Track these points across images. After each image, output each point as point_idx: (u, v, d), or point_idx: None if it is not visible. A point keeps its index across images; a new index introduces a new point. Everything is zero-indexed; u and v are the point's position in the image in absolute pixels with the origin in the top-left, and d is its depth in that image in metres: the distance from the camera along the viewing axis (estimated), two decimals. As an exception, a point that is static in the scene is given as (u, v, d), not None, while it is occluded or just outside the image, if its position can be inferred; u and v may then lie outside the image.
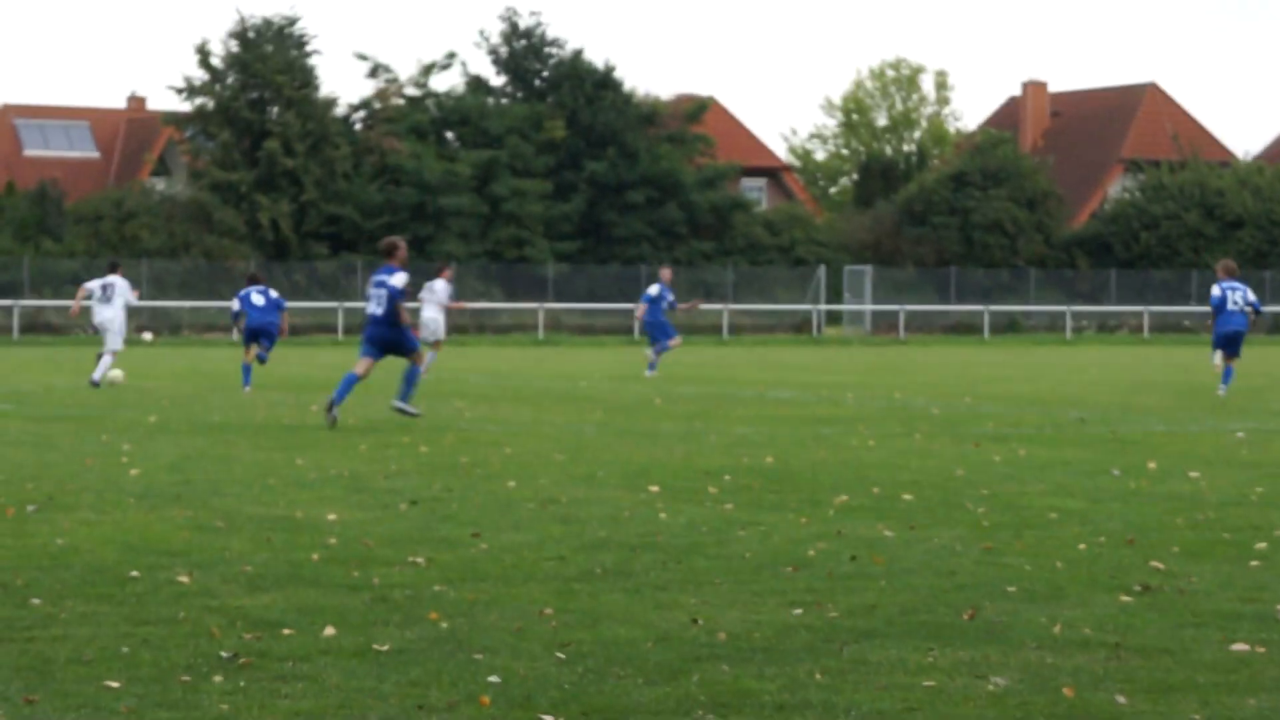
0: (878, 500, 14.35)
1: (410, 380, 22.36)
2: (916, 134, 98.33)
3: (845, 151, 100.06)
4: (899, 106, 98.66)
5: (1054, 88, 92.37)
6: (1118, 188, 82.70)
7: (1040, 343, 64.04)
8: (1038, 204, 77.90)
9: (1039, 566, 10.96)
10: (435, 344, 34.16)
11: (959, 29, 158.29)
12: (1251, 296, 29.45)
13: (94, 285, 31.49)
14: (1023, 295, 73.57)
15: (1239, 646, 8.61)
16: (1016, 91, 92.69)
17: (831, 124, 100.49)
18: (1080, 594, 10.03)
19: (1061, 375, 37.68)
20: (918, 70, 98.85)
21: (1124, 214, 78.21)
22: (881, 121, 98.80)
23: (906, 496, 14.51)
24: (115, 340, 30.48)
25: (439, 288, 35.23)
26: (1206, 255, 74.75)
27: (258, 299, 30.24)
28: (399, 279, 21.89)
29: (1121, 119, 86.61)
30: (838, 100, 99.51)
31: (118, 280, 31.30)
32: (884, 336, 66.76)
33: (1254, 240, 75.89)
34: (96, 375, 30.12)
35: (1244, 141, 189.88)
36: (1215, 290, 29.03)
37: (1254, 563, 11.15)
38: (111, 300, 30.99)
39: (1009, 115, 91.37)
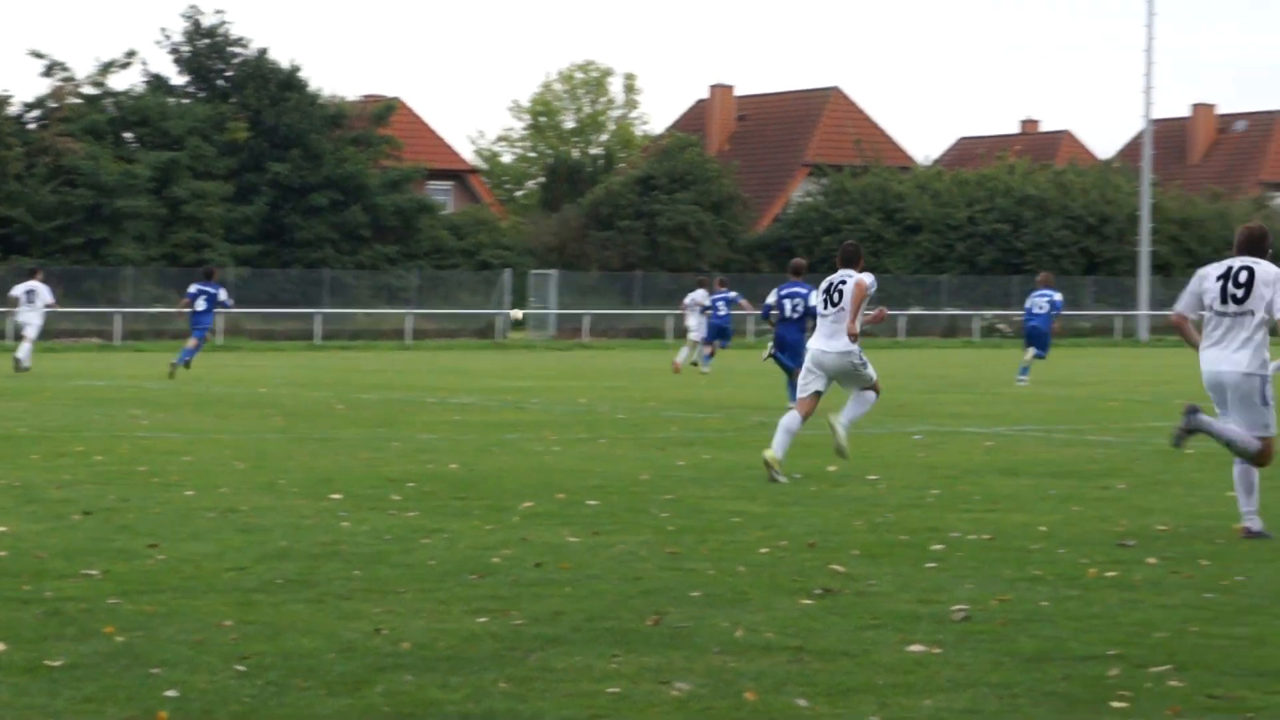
0: (563, 506, 14.35)
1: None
2: (604, 137, 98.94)
3: (533, 154, 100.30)
4: (587, 109, 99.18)
5: (740, 91, 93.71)
6: (801, 192, 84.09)
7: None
8: (723, 208, 78.84)
9: (722, 571, 11.05)
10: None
11: (647, 32, 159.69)
12: (1057, 297, 35.31)
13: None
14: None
15: (916, 647, 8.77)
16: (704, 95, 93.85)
17: (519, 127, 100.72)
18: (763, 598, 10.13)
19: (746, 379, 38.16)
20: (606, 73, 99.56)
21: (806, 218, 79.47)
22: (569, 124, 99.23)
23: (592, 502, 14.53)
24: None
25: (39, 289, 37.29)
26: (886, 259, 76.39)
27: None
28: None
29: (806, 123, 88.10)
30: (526, 103, 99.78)
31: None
32: (568, 340, 66.98)
33: (932, 244, 77.73)
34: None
35: (924, 146, 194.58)
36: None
37: (930, 564, 11.38)
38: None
39: (696, 119, 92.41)
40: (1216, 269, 12.95)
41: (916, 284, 75.10)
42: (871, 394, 17.40)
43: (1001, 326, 71.79)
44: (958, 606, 9.80)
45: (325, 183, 71.09)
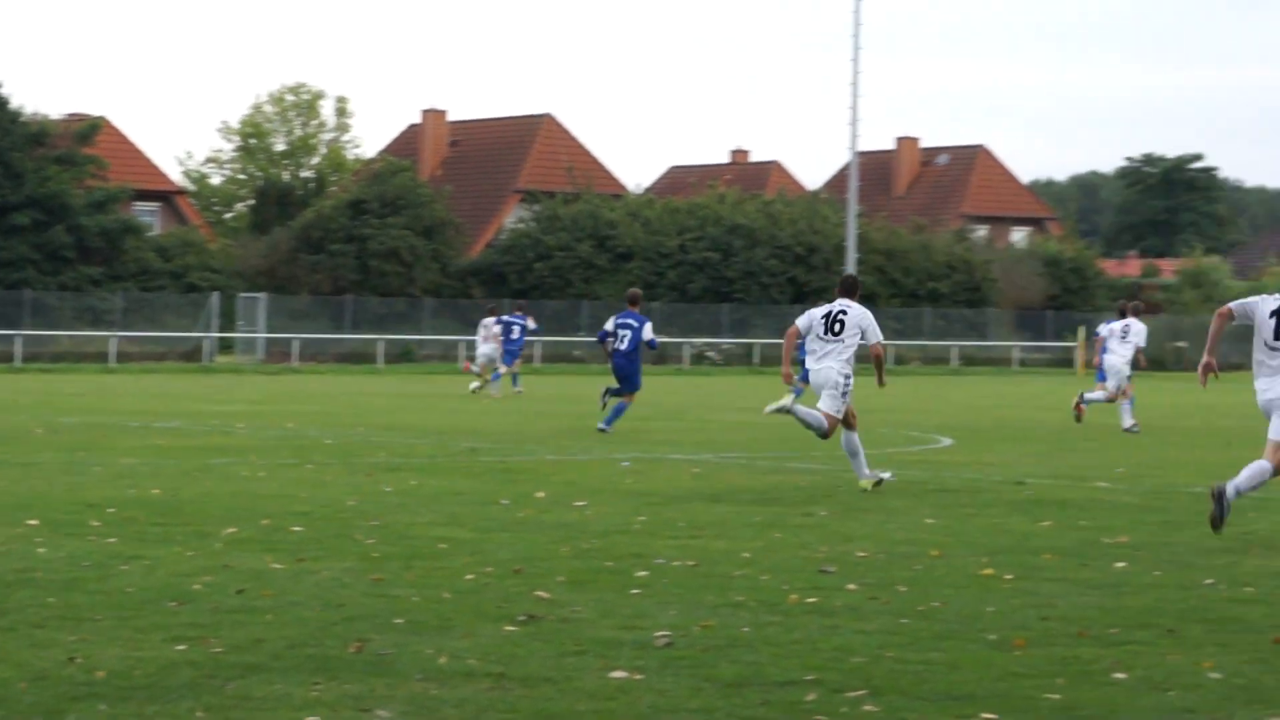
0: (267, 532, 14.17)
1: None
2: (315, 160, 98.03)
3: (242, 176, 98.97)
4: (298, 132, 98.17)
5: (453, 116, 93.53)
6: (513, 218, 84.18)
7: (434, 372, 64.58)
8: (435, 233, 78.60)
9: (427, 597, 10.99)
10: None
11: (359, 56, 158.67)
12: None
13: None
14: (417, 324, 74.03)
15: (618, 674, 8.80)
16: (416, 119, 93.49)
17: (228, 148, 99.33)
18: (467, 624, 10.10)
19: (454, 405, 38.08)
20: (318, 96, 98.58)
21: (519, 244, 79.56)
22: (280, 147, 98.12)
23: (297, 528, 14.37)
24: None
25: None
26: (598, 286, 76.81)
27: None
28: None
29: (518, 149, 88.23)
30: (235, 124, 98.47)
31: None
32: (277, 365, 66.19)
33: (643, 272, 78.29)
34: None
35: (635, 174, 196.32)
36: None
37: (635, 591, 11.44)
38: None
39: (408, 143, 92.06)
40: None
41: (628, 311, 75.60)
42: (824, 418, 18.60)
43: (711, 354, 72.57)
44: (660, 633, 9.87)
45: (27, 202, 69.45)
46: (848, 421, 18.78)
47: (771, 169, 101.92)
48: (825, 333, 18.96)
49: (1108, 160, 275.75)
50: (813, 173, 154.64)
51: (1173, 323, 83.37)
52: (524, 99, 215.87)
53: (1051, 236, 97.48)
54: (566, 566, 12.48)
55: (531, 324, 44.18)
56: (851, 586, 11.73)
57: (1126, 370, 30.65)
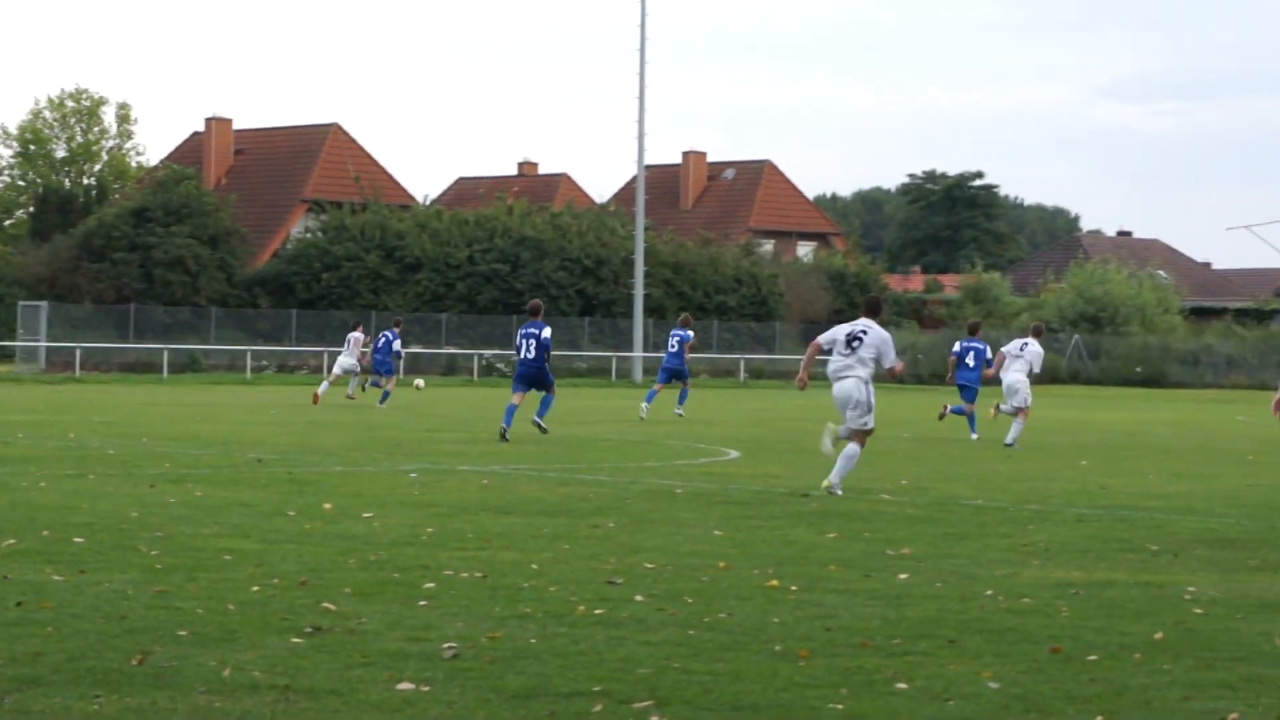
0: (47, 543, 13.93)
1: None
2: (97, 167, 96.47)
3: (22, 183, 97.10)
4: (79, 138, 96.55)
5: (239, 125, 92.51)
6: (300, 227, 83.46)
7: (220, 382, 63.83)
8: (220, 242, 77.69)
9: (211, 609, 10.87)
10: None
11: (142, 62, 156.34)
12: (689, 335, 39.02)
13: None
14: (204, 334, 73.12)
15: (404, 685, 8.78)
16: (200, 127, 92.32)
17: (7, 154, 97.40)
18: (252, 636, 10.00)
19: (241, 415, 37.67)
20: (99, 102, 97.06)
21: (306, 254, 78.87)
22: (61, 153, 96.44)
23: (78, 539, 14.15)
24: None
25: None
26: (386, 297, 76.41)
27: None
28: None
29: (305, 158, 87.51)
30: (14, 129, 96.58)
31: None
32: (59, 374, 64.99)
33: (431, 283, 78.01)
34: None
35: (424, 185, 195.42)
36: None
37: (422, 602, 11.41)
38: None
39: (193, 151, 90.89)
40: None
41: (417, 322, 75.30)
42: (857, 447, 20.15)
43: (500, 365, 72.48)
44: (448, 644, 9.85)
45: None
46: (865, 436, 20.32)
47: (560, 181, 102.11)
48: (845, 349, 20.29)
49: (891, 177, 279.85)
50: (601, 185, 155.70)
51: (954, 337, 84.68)
52: (311, 108, 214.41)
53: (836, 251, 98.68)
54: (353, 578, 12.41)
55: (397, 345, 44.85)
56: (639, 598, 11.79)
57: (1025, 388, 31.33)
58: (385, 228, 78.65)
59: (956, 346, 33.71)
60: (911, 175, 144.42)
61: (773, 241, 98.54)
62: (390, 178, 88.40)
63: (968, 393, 33.08)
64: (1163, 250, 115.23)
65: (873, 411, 20.22)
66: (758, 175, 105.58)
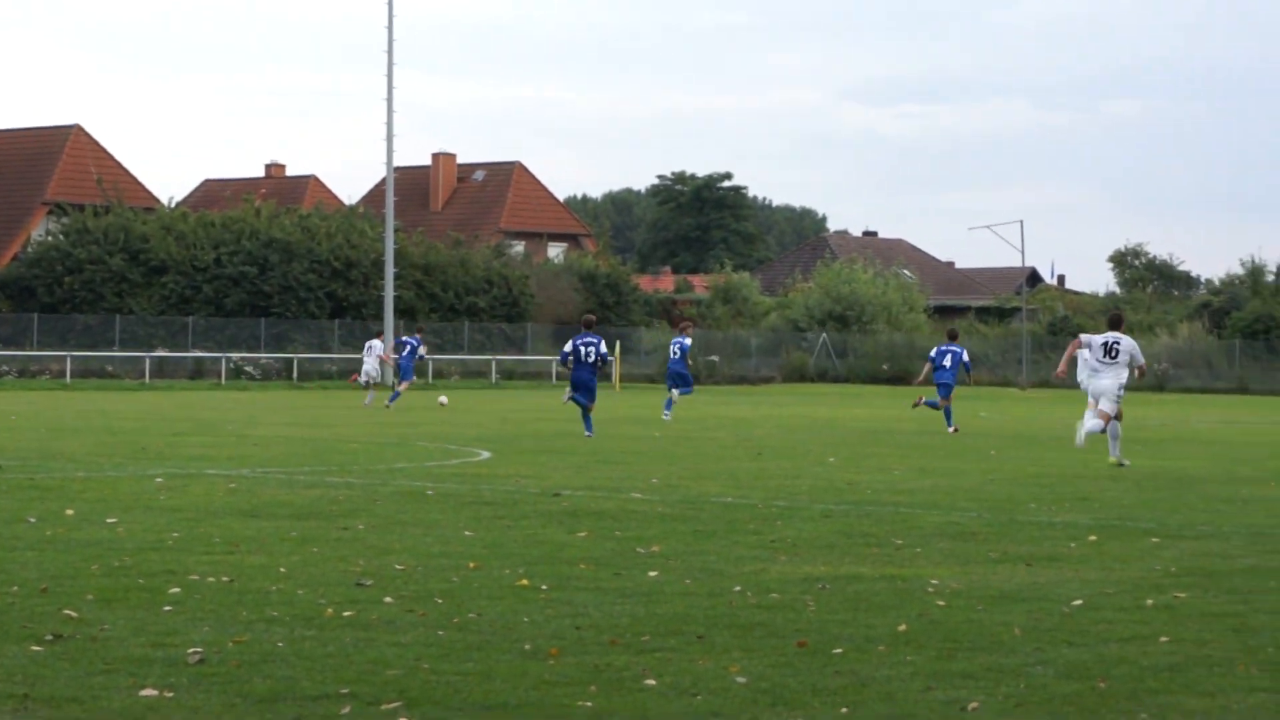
0: None
1: None
2: None
3: None
4: None
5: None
6: (41, 230, 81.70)
7: (-41, 387, 62.24)
8: (-43, 245, 75.83)
9: (-53, 620, 10.60)
10: None
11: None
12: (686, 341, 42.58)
13: None
14: (-59, 338, 71.23)
15: (148, 691, 8.63)
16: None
17: None
18: (-10, 646, 9.77)
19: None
20: None
21: (47, 257, 77.20)
22: None
23: None
24: None
25: None
26: (131, 300, 75.09)
27: None
28: None
29: (45, 160, 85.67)
30: None
31: None
32: None
33: (178, 286, 76.82)
34: None
35: (169, 187, 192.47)
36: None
37: (167, 607, 11.23)
38: None
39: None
40: None
41: (163, 325, 74.18)
42: (1118, 424, 25.42)
43: (249, 369, 71.63)
44: (193, 649, 9.70)
45: None
46: (1117, 415, 25.22)
47: (308, 183, 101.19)
48: (1104, 356, 25.20)
49: (641, 178, 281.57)
50: (350, 187, 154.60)
51: (704, 337, 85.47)
52: (51, 109, 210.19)
53: (587, 252, 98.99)
54: (96, 584, 12.17)
55: (423, 350, 48.98)
56: (388, 599, 11.72)
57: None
58: (129, 230, 77.27)
59: (933, 351, 37.91)
60: (661, 177, 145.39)
61: (523, 243, 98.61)
62: (134, 180, 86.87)
63: (944, 389, 36.75)
64: (907, 250, 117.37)
65: (1119, 400, 25.20)
66: (508, 177, 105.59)
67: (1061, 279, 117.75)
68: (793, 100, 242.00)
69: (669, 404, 41.18)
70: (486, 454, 27.19)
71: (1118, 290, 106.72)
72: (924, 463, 26.33)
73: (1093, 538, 15.88)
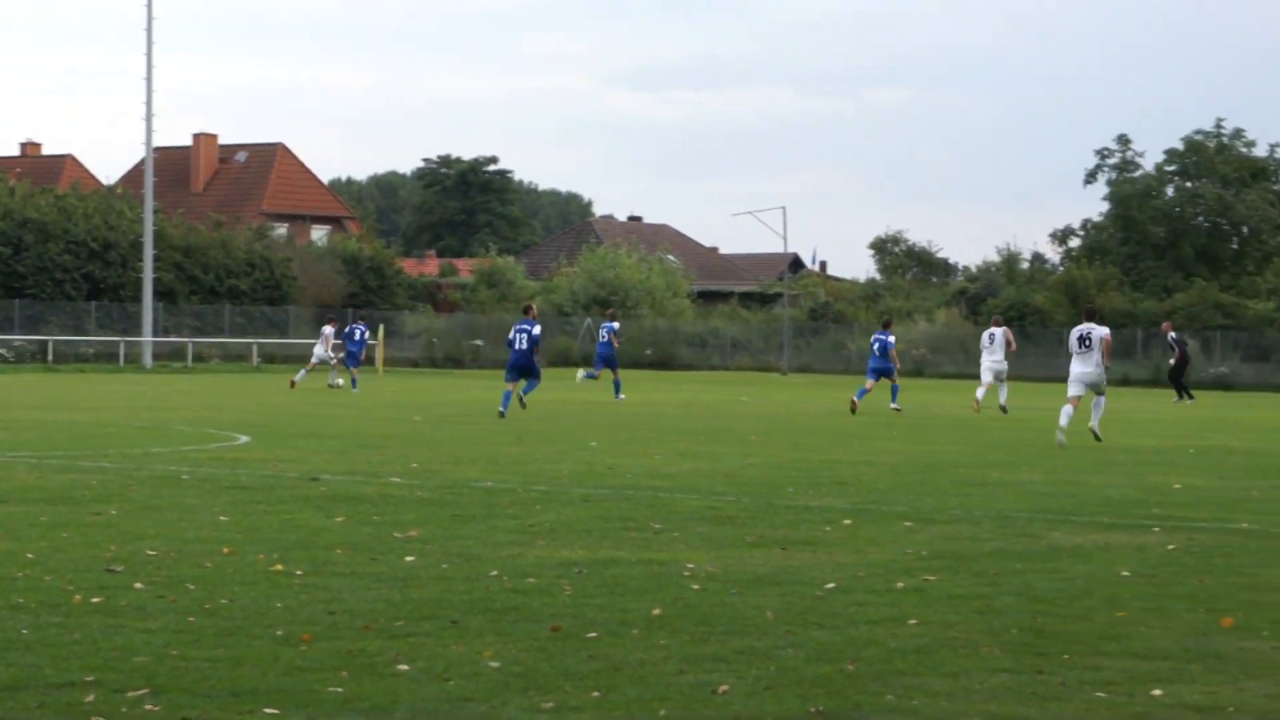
0: None
1: None
2: None
3: None
4: None
5: None
6: None
7: None
8: None
9: None
10: None
11: None
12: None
13: None
14: None
15: (-115, 683, 8.42)
16: None
17: None
18: None
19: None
20: None
21: None
22: None
23: None
24: None
25: None
26: None
27: None
28: None
29: None
30: None
31: None
32: None
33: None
34: None
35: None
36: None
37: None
38: None
39: None
40: None
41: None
42: (1103, 399, 28.90)
43: (2, 351, 70.08)
44: (-68, 639, 9.48)
45: None
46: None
47: (65, 162, 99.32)
48: (1080, 346, 28.17)
49: (407, 161, 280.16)
50: (109, 167, 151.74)
51: (469, 321, 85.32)
52: None
53: (351, 235, 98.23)
54: None
55: (368, 337, 51.48)
56: (139, 585, 11.54)
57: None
58: None
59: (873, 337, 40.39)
60: (426, 160, 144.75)
61: (286, 225, 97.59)
62: None
63: (874, 374, 39.40)
64: (672, 235, 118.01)
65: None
66: (270, 158, 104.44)
67: (823, 265, 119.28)
68: (560, 85, 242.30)
69: (587, 375, 45.89)
70: (245, 438, 26.88)
71: (878, 276, 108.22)
72: (684, 447, 26.52)
73: (847, 522, 16.11)
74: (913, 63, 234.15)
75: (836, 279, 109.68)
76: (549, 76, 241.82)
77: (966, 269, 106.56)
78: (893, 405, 39.93)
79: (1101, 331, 28.29)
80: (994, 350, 40.86)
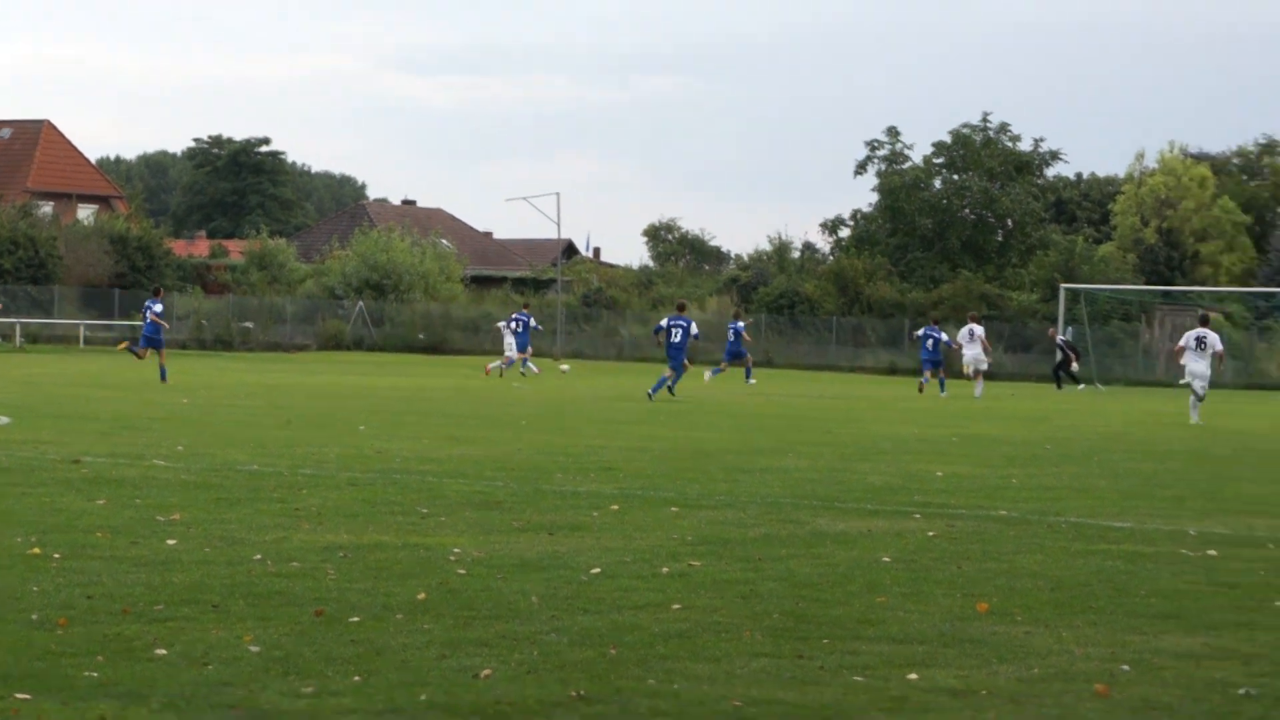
0: None
1: None
2: None
3: None
4: None
5: None
6: None
7: None
8: None
9: None
10: None
11: None
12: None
13: None
14: None
15: None
16: None
17: None
18: None
19: None
20: None
21: None
22: None
23: None
24: None
25: None
26: None
27: None
28: None
29: None
30: None
31: None
32: None
33: None
34: None
35: None
36: None
37: None
38: None
39: None
40: None
41: None
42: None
43: None
44: None
45: None
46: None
47: None
48: (1197, 348, 35.10)
49: (177, 141, 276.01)
50: None
51: (239, 303, 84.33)
52: None
53: (119, 214, 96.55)
54: None
55: (533, 321, 56.85)
56: (-112, 570, 11.26)
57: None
58: None
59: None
60: (197, 140, 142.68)
61: (52, 203, 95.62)
62: None
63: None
64: (446, 219, 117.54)
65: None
66: (35, 135, 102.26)
67: (597, 251, 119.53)
68: (335, 67, 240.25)
69: (747, 372, 49.27)
70: (5, 419, 26.32)
71: (651, 264, 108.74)
72: (455, 431, 26.45)
73: (615, 507, 16.17)
74: (686, 52, 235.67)
75: (610, 265, 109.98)
76: (325, 58, 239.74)
77: (739, 257, 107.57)
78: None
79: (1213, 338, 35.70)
80: (973, 345, 48.67)
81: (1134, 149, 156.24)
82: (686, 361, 40.98)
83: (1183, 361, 35.91)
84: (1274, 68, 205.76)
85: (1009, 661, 9.37)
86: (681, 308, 43.04)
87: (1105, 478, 21.36)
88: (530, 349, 56.84)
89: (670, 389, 39.98)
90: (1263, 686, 8.83)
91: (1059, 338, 61.03)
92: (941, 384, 49.01)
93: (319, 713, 7.87)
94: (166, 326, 45.04)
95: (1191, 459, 25.41)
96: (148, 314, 43.73)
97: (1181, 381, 40.79)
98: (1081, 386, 59.52)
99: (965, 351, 48.92)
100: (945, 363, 50.22)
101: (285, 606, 10.38)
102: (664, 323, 41.10)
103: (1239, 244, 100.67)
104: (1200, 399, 35.71)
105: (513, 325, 56.30)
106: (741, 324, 49.52)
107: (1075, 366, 59.49)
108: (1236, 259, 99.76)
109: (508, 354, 55.96)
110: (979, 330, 49.01)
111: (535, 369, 56.22)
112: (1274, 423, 38.67)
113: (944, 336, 49.81)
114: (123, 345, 47.43)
